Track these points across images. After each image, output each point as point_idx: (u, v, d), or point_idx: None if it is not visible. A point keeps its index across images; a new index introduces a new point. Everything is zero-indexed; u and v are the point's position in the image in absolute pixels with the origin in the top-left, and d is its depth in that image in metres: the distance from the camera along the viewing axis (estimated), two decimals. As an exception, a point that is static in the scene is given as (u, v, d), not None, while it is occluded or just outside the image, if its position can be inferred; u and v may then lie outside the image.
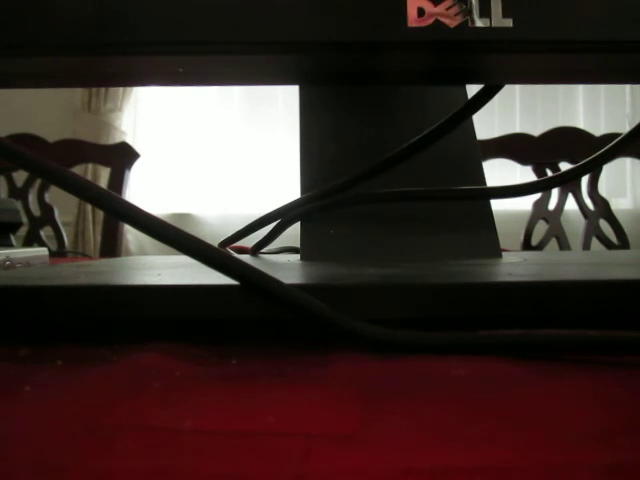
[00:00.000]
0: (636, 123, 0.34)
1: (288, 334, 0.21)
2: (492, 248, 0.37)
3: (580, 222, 1.21)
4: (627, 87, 2.13)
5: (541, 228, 1.20)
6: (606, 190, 2.03)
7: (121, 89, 2.10)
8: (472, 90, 0.31)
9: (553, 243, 1.24)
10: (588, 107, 2.15)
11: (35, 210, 1.28)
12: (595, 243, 1.18)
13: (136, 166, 1.32)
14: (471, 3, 0.23)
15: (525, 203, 1.12)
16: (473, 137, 0.39)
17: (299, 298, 0.19)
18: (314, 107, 0.40)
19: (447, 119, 0.33)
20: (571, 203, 1.21)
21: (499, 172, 1.76)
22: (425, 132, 0.33)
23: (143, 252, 2.09)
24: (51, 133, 1.38)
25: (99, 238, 1.74)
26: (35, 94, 2.04)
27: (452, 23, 0.23)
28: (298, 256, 0.40)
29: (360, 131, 0.39)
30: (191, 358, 0.19)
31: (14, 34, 0.23)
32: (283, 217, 0.40)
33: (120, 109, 2.12)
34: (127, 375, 0.17)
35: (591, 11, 0.23)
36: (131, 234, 2.09)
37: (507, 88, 0.40)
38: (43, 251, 0.55)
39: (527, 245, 1.19)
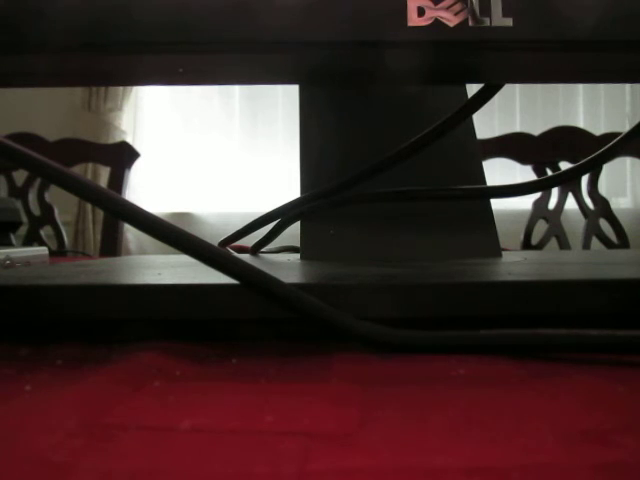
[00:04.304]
0: (636, 122, 0.34)
1: (288, 334, 0.21)
2: (492, 247, 0.37)
3: (580, 221, 1.21)
4: (627, 87, 2.13)
5: (541, 227, 1.20)
6: (606, 189, 2.03)
7: (121, 88, 2.10)
8: (472, 90, 0.31)
9: (553, 242, 1.24)
10: (588, 107, 2.15)
11: (35, 209, 1.29)
12: (595, 242, 1.18)
13: (136, 165, 1.32)
14: (471, 2, 0.23)
15: (525, 202, 1.13)
16: (473, 136, 0.39)
17: (299, 297, 0.19)
18: (314, 107, 0.40)
19: (447, 119, 0.33)
20: (571, 202, 1.21)
21: (499, 172, 1.76)
22: (425, 132, 0.33)
23: (143, 251, 2.09)
24: (51, 132, 1.38)
25: (99, 237, 1.74)
26: (35, 94, 2.04)
27: (452, 22, 0.23)
28: (298, 255, 0.40)
29: (360, 131, 0.39)
30: (191, 357, 0.19)
31: (14, 34, 0.23)
32: (283, 216, 0.40)
33: (120, 108, 2.12)
34: (127, 374, 0.17)
35: (591, 11, 0.23)
36: (131, 233, 2.09)
37: (507, 88, 0.40)
38: (43, 250, 0.55)
39: (527, 244, 1.19)
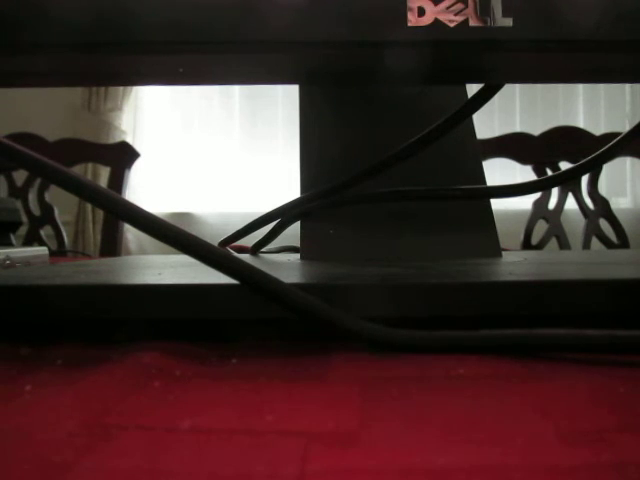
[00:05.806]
0: (636, 122, 0.34)
1: (288, 334, 0.21)
2: (492, 247, 0.37)
3: (580, 221, 1.21)
4: (627, 87, 2.13)
5: (541, 227, 1.20)
6: (606, 189, 2.03)
7: (121, 88, 2.10)
8: (472, 90, 0.31)
9: (553, 242, 1.24)
10: (588, 107, 2.15)
11: (35, 209, 1.29)
12: (595, 242, 1.18)
13: (136, 165, 1.32)
14: (471, 2, 0.23)
15: (525, 202, 1.13)
16: (473, 136, 0.39)
17: (299, 297, 0.19)
18: (314, 107, 0.40)
19: (447, 118, 0.33)
20: (571, 202, 1.21)
21: (499, 172, 1.76)
22: (425, 131, 0.33)
23: (143, 251, 2.09)
24: (51, 132, 1.38)
25: (99, 237, 1.74)
26: (35, 94, 2.04)
27: (452, 23, 0.23)
28: (298, 255, 0.40)
29: (360, 131, 0.39)
30: (191, 357, 0.19)
31: (14, 34, 0.23)
32: (283, 216, 0.40)
33: (120, 108, 2.12)
34: (127, 374, 0.17)
35: (591, 11, 0.23)
36: (131, 233, 2.09)
37: (507, 88, 0.40)
38: (43, 250, 0.56)
39: (527, 244, 1.19)
